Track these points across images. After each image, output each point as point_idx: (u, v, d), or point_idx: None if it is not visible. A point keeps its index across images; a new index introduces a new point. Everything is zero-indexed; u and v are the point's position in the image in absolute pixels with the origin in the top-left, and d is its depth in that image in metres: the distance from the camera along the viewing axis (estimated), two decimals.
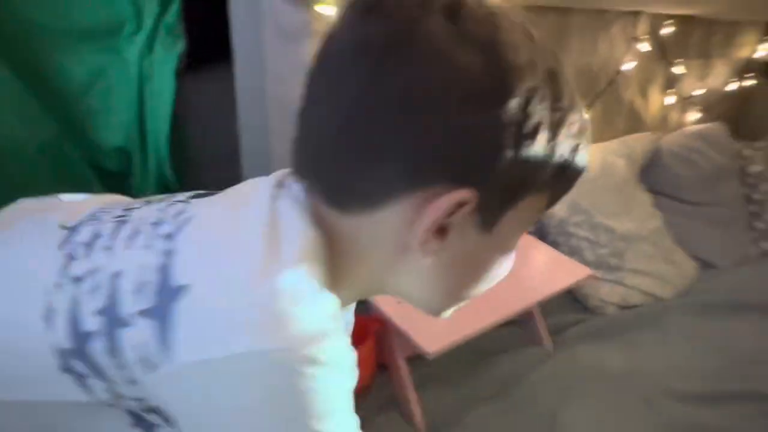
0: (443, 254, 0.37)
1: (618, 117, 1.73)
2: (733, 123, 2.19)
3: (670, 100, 1.89)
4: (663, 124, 1.93)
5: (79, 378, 0.34)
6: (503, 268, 0.42)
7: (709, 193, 1.86)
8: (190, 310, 0.31)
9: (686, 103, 1.98)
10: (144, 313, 0.32)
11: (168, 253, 0.34)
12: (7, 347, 0.36)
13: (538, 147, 0.34)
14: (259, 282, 0.31)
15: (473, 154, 0.33)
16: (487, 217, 0.36)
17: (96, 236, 0.38)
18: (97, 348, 0.33)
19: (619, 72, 1.65)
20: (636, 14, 1.65)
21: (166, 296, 0.32)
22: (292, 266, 0.33)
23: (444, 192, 0.33)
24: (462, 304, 0.43)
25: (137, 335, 0.32)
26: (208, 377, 0.30)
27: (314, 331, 0.31)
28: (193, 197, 0.42)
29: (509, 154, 0.33)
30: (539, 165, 0.35)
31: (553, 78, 0.35)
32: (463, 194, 0.34)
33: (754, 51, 2.13)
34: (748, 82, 2.10)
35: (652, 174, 1.77)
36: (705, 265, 1.75)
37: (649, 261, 1.49)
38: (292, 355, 0.30)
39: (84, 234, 0.38)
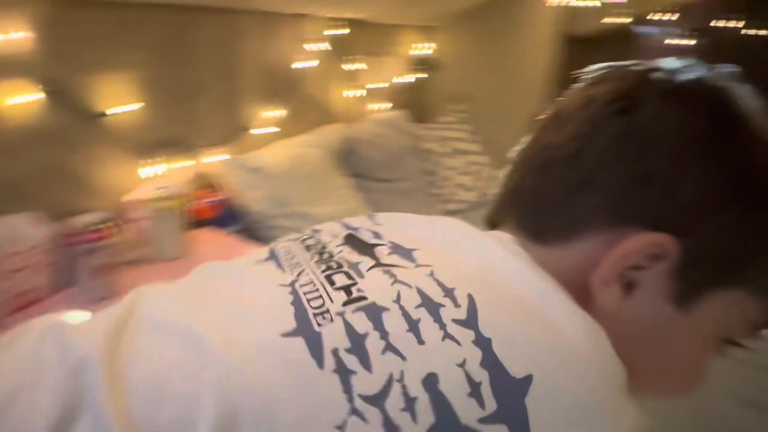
0: (625, 316, 0.33)
1: (309, 112, 1.89)
2: (411, 110, 2.63)
3: (356, 93, 2.16)
4: (353, 114, 2.19)
5: None
6: (693, 373, 0.36)
7: (396, 170, 2.19)
8: (541, 403, 0.26)
9: (371, 95, 2.28)
10: (489, 419, 0.26)
11: (481, 344, 0.28)
12: None
13: (764, 219, 0.32)
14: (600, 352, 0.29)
15: (680, 202, 0.32)
16: (685, 289, 0.33)
17: (355, 336, 0.29)
18: None
19: (298, 71, 1.79)
20: (306, 17, 1.81)
21: (511, 393, 0.26)
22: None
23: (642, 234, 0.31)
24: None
25: None
26: None
27: None
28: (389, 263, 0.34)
29: (726, 211, 0.31)
30: (760, 245, 0.32)
31: None
32: (661, 238, 0.31)
33: (417, 49, 2.60)
34: (417, 75, 2.55)
35: (349, 160, 1.99)
36: None
37: None
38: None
39: (335, 338, 0.29)
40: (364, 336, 0.29)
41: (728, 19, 2.63)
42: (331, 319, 0.30)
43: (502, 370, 0.27)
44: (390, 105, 2.37)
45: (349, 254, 0.37)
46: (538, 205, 0.37)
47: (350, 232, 0.41)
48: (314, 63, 1.81)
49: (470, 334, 0.28)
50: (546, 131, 0.39)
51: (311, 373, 0.27)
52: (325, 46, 1.85)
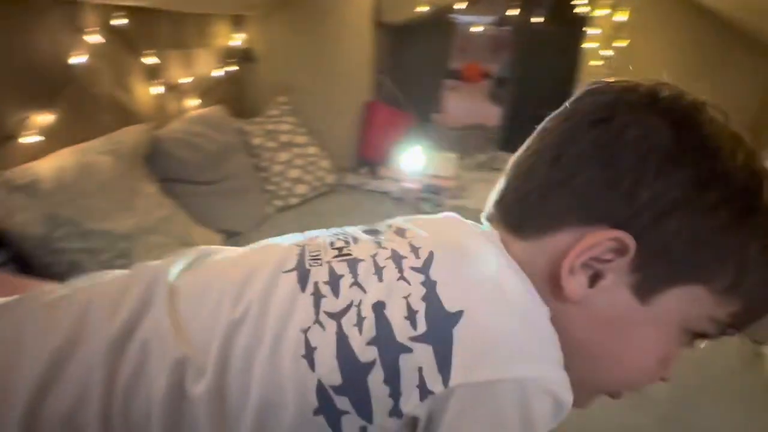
0: (591, 304, 0.38)
1: (99, 114, 1.64)
2: (231, 104, 2.47)
3: (161, 89, 1.94)
4: (160, 113, 1.96)
5: (334, 417, 0.34)
6: (656, 363, 0.40)
7: (219, 170, 2.02)
8: (468, 334, 0.33)
9: (179, 91, 2.06)
10: (419, 338, 0.34)
11: (427, 284, 0.36)
12: (269, 401, 0.35)
13: (716, 222, 0.35)
14: (533, 313, 0.36)
15: (641, 203, 0.36)
16: (644, 282, 0.37)
17: (334, 275, 0.38)
18: (376, 378, 0.34)
19: (76, 66, 1.53)
20: (79, 5, 1.55)
21: (441, 322, 0.34)
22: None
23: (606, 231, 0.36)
24: (594, 392, 0.43)
25: (415, 360, 0.33)
26: (478, 400, 0.33)
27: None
28: (394, 230, 0.43)
29: (681, 213, 0.35)
30: (713, 246, 0.36)
31: (754, 176, 0.36)
32: (621, 234, 0.35)
33: (230, 40, 2.43)
34: (233, 68, 2.40)
35: (158, 163, 1.77)
36: (231, 234, 1.94)
37: (163, 250, 1.50)
38: (549, 386, 0.33)
39: (319, 274, 0.38)
40: (340, 276, 0.38)
41: (522, 9, 2.92)
42: (320, 264, 0.39)
43: (438, 304, 0.35)
44: (204, 101, 2.18)
45: (357, 233, 0.45)
46: (521, 203, 0.41)
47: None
48: (88, 57, 1.55)
49: (420, 277, 0.36)
50: (534, 141, 0.43)
51: (295, 294, 0.37)
52: (100, 38, 1.59)
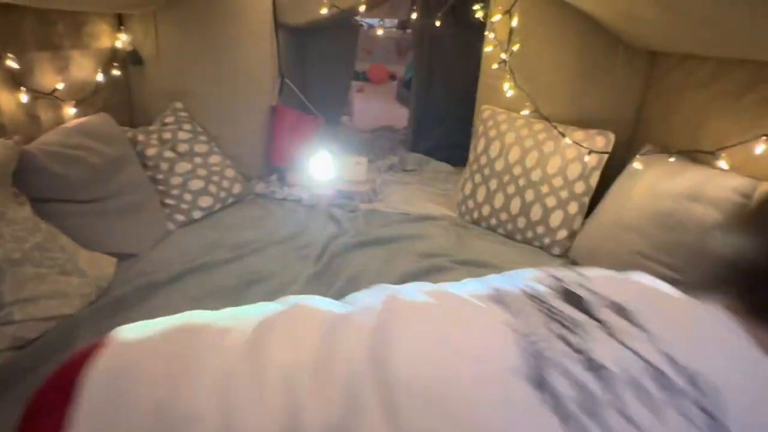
0: None
1: None
2: (121, 111, 2.24)
3: (25, 97, 1.69)
4: (30, 124, 1.72)
5: None
6: None
7: (108, 185, 1.80)
8: None
9: (52, 98, 1.83)
10: None
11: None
12: None
13: None
14: None
15: None
16: None
17: (588, 394, 0.30)
18: None
19: None
20: None
21: None
22: None
23: None
24: None
25: None
26: None
27: None
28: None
29: None
30: None
31: None
32: None
33: (115, 41, 2.20)
34: (117, 71, 2.17)
35: (30, 182, 1.54)
36: (125, 257, 1.75)
37: (38, 283, 1.30)
38: None
39: (562, 387, 0.30)
40: (598, 402, 0.30)
41: (423, 13, 2.96)
42: (556, 366, 0.33)
43: None
44: (84, 109, 1.95)
45: (571, 311, 0.39)
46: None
47: (562, 284, 0.43)
48: None
49: (704, 419, 0.30)
50: None
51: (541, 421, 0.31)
52: None
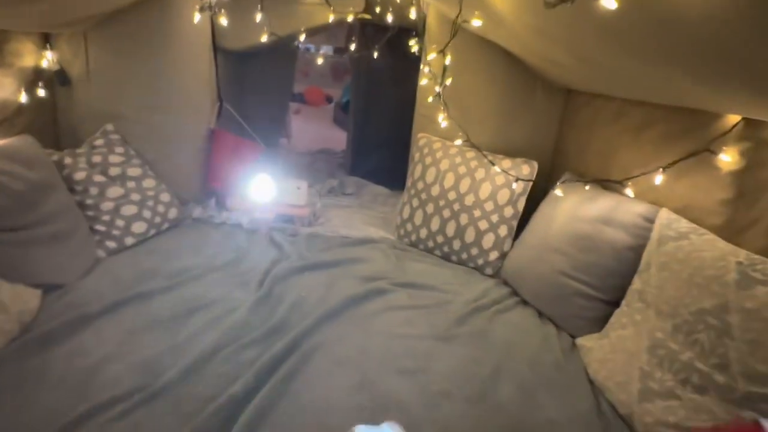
0: None
1: None
2: (45, 133, 2.12)
3: None
4: None
5: None
6: None
7: (33, 212, 1.69)
8: None
9: None
10: None
11: None
12: None
13: None
14: None
15: None
16: None
17: None
18: None
19: None
20: None
21: None
22: None
23: None
24: None
25: None
26: None
27: None
28: None
29: None
30: None
31: None
32: None
33: (40, 60, 2.09)
34: (40, 92, 2.05)
35: None
36: (51, 288, 1.64)
37: None
38: None
39: None
40: None
41: (360, 43, 3.05)
42: None
43: None
44: (4, 130, 1.82)
45: None
46: None
47: None
48: None
49: None
50: None
51: None
52: None
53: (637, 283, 1.51)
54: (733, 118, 1.37)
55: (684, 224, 1.45)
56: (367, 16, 2.71)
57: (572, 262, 1.73)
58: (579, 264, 1.71)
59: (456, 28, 1.50)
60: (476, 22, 1.43)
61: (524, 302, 1.90)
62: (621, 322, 1.49)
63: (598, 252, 1.67)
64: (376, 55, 2.43)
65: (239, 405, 1.19)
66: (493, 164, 2.02)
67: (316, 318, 1.58)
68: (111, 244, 1.93)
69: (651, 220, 1.59)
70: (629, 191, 1.63)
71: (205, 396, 1.22)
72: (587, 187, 1.79)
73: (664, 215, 1.53)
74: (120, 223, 1.98)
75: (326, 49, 7.11)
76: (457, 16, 1.48)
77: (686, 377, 1.21)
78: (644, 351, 1.34)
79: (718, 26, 0.85)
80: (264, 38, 2.21)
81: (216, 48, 2.45)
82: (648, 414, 1.24)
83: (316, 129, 5.69)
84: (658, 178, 1.51)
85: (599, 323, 1.66)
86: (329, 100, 7.51)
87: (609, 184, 1.79)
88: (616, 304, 1.63)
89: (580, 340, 1.65)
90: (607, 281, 1.65)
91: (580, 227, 1.74)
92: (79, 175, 1.95)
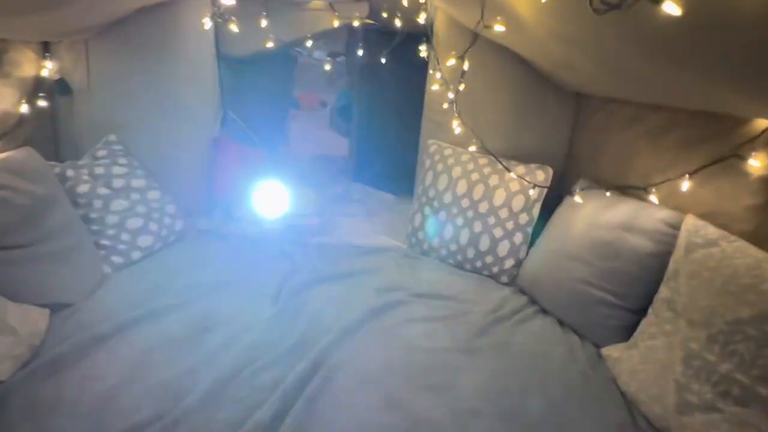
0: None
1: None
2: (46, 145, 2.05)
3: None
4: None
5: None
6: None
7: (38, 228, 1.63)
8: None
9: None
10: None
11: None
12: None
13: None
14: None
15: None
16: None
17: None
18: None
19: None
20: None
21: None
22: None
23: None
24: None
25: None
26: None
27: None
28: None
29: None
30: None
31: None
32: None
33: (40, 70, 2.02)
34: (44, 102, 1.98)
35: None
36: (59, 307, 1.57)
37: None
38: None
39: None
40: None
41: (360, 46, 3.00)
42: None
43: None
44: (4, 143, 1.75)
45: None
46: None
47: None
48: None
49: None
50: None
51: None
52: None
53: (664, 292, 1.48)
54: (762, 123, 1.34)
55: (712, 231, 1.42)
56: (372, 22, 2.67)
57: (593, 269, 1.70)
58: (600, 272, 1.68)
59: (477, 34, 1.46)
60: (498, 28, 1.39)
61: (543, 311, 1.86)
62: (650, 332, 1.46)
63: (620, 259, 1.64)
64: (383, 60, 2.39)
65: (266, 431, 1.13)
66: (508, 170, 1.99)
67: (336, 333, 1.52)
68: (117, 259, 1.87)
69: (675, 227, 1.56)
70: (653, 198, 1.60)
71: (229, 422, 1.16)
72: (608, 194, 1.76)
73: (690, 221, 1.51)
74: (126, 237, 1.92)
75: (321, 54, 7.05)
76: (479, 22, 1.44)
77: (726, 389, 1.17)
78: (678, 362, 1.31)
79: (760, 29, 0.82)
80: (270, 44, 2.16)
81: (219, 56, 2.39)
82: (687, 428, 1.20)
83: (312, 134, 5.63)
84: (685, 185, 1.48)
85: (623, 332, 1.62)
86: (323, 104, 7.45)
87: (629, 190, 1.76)
88: (640, 312, 1.59)
89: (606, 350, 1.61)
90: (631, 289, 1.62)
91: (601, 234, 1.71)
92: (83, 188, 1.89)
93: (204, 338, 1.48)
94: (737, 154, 1.38)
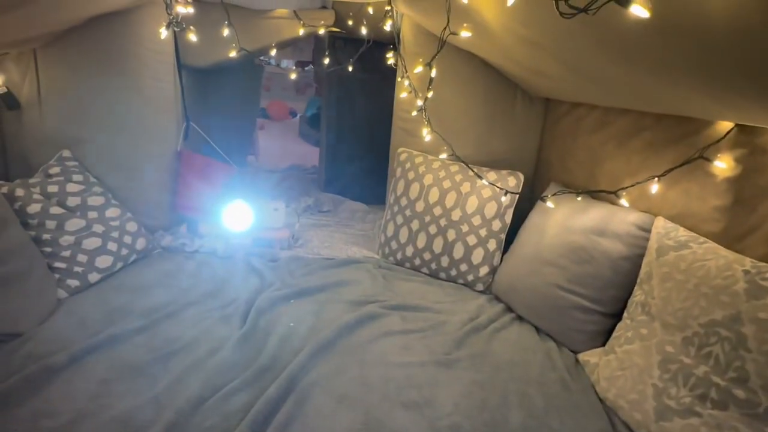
0: None
1: None
2: None
3: None
4: None
5: None
6: None
7: None
8: None
9: None
10: None
11: None
12: None
13: None
14: None
15: None
16: None
17: None
18: None
19: None
20: None
21: None
22: None
23: None
24: None
25: None
26: None
27: None
28: None
29: None
30: None
31: None
32: None
33: None
34: None
35: None
36: (8, 337, 1.45)
37: None
38: None
39: None
40: None
41: (330, 55, 2.96)
42: None
43: None
44: None
45: None
46: None
47: None
48: None
49: None
50: None
51: None
52: None
53: (638, 295, 1.48)
54: (726, 125, 1.36)
55: (682, 233, 1.43)
56: (338, 30, 2.63)
57: (567, 274, 1.69)
58: (574, 276, 1.67)
59: (443, 41, 1.44)
60: (465, 34, 1.37)
61: (520, 318, 1.85)
62: (626, 336, 1.45)
63: (594, 263, 1.64)
64: (350, 68, 2.35)
65: None
66: (481, 177, 1.97)
67: (308, 351, 1.46)
68: (73, 282, 1.76)
69: (646, 229, 1.57)
70: (624, 201, 1.61)
71: None
72: (579, 198, 1.76)
73: (661, 224, 1.52)
74: (82, 258, 1.81)
75: (289, 63, 6.99)
76: (445, 29, 1.42)
77: (704, 393, 1.17)
78: (655, 366, 1.30)
79: (732, 34, 0.82)
80: (233, 54, 2.10)
81: (180, 66, 2.30)
82: None
83: (282, 144, 5.55)
84: (654, 187, 1.49)
85: (600, 337, 1.62)
86: (293, 114, 7.37)
87: (600, 194, 1.77)
88: (615, 316, 1.59)
89: (583, 356, 1.60)
90: (605, 293, 1.62)
91: (574, 238, 1.71)
92: (34, 208, 1.77)
93: (167, 364, 1.40)
94: (703, 156, 1.40)
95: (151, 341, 1.49)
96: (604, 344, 1.58)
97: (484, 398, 1.37)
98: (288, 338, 1.54)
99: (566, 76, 1.61)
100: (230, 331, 1.58)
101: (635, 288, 1.51)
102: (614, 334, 1.52)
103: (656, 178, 1.49)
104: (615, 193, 1.61)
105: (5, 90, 1.92)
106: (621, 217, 1.63)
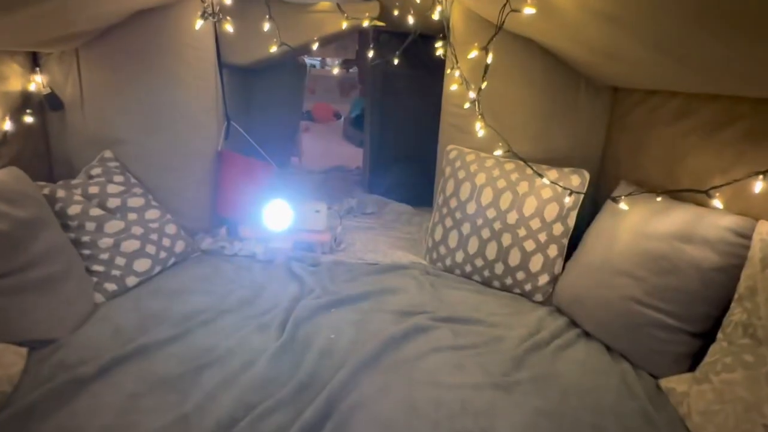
0: None
1: None
2: (36, 164, 1.91)
3: None
4: None
5: None
6: None
7: (21, 255, 1.46)
8: None
9: None
10: None
11: None
12: None
13: None
14: None
15: None
16: None
17: None
18: None
19: None
20: None
21: None
22: None
23: None
24: None
25: None
26: None
27: None
28: None
29: None
30: None
31: None
32: None
33: (28, 83, 1.88)
34: (32, 118, 1.84)
35: None
36: (41, 344, 1.40)
37: None
38: None
39: None
40: None
41: (374, 52, 2.83)
42: None
43: None
44: None
45: None
46: None
47: None
48: None
49: None
50: None
51: None
52: None
53: (737, 313, 1.24)
54: None
55: None
56: (382, 24, 2.49)
57: (645, 286, 1.46)
58: (654, 289, 1.44)
59: (503, 20, 1.26)
60: (528, 11, 1.19)
61: (587, 335, 1.63)
62: (723, 362, 1.22)
63: (679, 274, 1.40)
64: (396, 62, 2.20)
65: None
66: (541, 176, 1.77)
67: (350, 368, 1.32)
68: (111, 286, 1.70)
69: (744, 235, 1.32)
70: (717, 202, 1.37)
71: None
72: (659, 199, 1.53)
73: (765, 229, 1.27)
74: (120, 261, 1.75)
75: (333, 62, 6.95)
76: (504, 6, 1.24)
77: None
78: (767, 402, 1.07)
79: None
80: (274, 49, 2.00)
81: (221, 63, 2.24)
82: None
83: (326, 146, 5.49)
84: (758, 186, 1.25)
85: (686, 360, 1.39)
86: (337, 116, 7.32)
87: (682, 194, 1.53)
88: (704, 336, 1.36)
89: (665, 382, 1.37)
90: (693, 309, 1.38)
91: (653, 245, 1.48)
92: (74, 209, 1.73)
93: (199, 378, 1.29)
94: None
95: (183, 352, 1.39)
96: (690, 369, 1.35)
97: (550, 430, 1.18)
98: (328, 352, 1.41)
99: (645, 57, 1.39)
100: (266, 342, 1.46)
101: (732, 305, 1.27)
102: (707, 359, 1.28)
103: (760, 175, 1.24)
104: (706, 192, 1.37)
105: (49, 91, 1.90)
106: (712, 220, 1.39)
